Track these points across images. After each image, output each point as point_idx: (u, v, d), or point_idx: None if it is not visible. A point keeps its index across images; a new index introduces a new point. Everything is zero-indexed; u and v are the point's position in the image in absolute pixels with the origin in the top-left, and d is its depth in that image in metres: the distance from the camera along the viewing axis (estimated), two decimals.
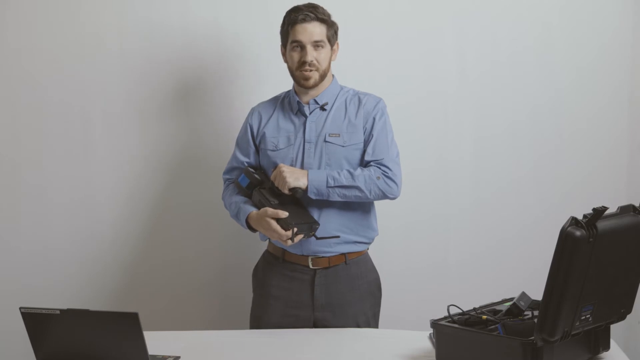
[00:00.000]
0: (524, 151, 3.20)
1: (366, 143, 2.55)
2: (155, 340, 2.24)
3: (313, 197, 2.46)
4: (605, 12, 3.16)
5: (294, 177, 2.45)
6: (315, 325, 2.55)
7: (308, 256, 2.53)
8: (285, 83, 2.69)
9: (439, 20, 3.14)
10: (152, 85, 3.11)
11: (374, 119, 2.56)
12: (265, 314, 2.57)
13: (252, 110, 2.68)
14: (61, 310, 2.01)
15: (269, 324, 2.51)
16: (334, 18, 2.57)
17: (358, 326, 2.54)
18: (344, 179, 2.46)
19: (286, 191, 2.45)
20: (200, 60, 3.10)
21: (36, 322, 2.04)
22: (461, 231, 3.20)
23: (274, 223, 2.41)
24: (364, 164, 2.55)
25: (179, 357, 2.18)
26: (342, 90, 2.64)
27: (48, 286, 3.13)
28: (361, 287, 2.58)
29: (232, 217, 2.61)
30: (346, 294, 2.55)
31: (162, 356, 2.17)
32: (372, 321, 2.61)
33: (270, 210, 2.43)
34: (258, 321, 2.57)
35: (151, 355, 2.04)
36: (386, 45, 3.12)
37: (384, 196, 2.51)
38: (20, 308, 2.05)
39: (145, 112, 3.13)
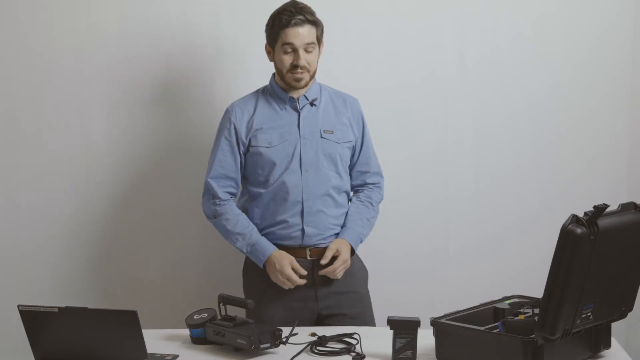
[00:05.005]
0: (523, 150, 3.19)
1: (359, 146, 2.68)
2: (154, 339, 2.25)
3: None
4: (606, 5, 3.16)
5: (346, 263, 2.56)
6: (320, 314, 2.58)
7: (306, 248, 2.56)
8: (265, 78, 2.68)
9: (439, 11, 3.13)
10: (150, 80, 3.10)
11: (363, 123, 2.70)
12: (269, 312, 2.56)
13: (232, 109, 2.63)
14: (59, 308, 2.01)
15: (275, 323, 2.49)
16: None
17: (360, 311, 2.59)
18: (367, 231, 2.67)
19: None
20: (194, 54, 3.09)
21: (34, 320, 2.03)
22: (460, 225, 3.20)
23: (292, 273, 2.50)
24: (357, 171, 2.70)
25: (177, 356, 2.17)
26: (322, 87, 2.68)
27: (46, 284, 3.12)
28: (357, 274, 2.64)
29: (236, 248, 2.62)
30: (346, 281, 2.59)
31: (161, 354, 2.16)
32: (368, 308, 2.67)
33: (295, 265, 2.52)
34: (263, 320, 2.52)
35: (150, 354, 2.04)
36: (385, 37, 3.11)
37: None
38: (18, 306, 2.04)
39: (146, 109, 3.11)
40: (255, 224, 2.60)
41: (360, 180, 2.71)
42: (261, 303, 2.56)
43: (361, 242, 2.64)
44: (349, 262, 2.56)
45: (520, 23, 3.15)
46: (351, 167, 2.70)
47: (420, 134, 3.14)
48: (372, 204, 2.68)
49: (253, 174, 2.61)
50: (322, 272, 2.54)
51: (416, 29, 3.13)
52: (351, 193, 2.73)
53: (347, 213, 2.66)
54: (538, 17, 3.15)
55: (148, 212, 3.15)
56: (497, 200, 3.20)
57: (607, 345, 2.09)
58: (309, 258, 2.57)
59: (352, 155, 2.68)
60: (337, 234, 2.61)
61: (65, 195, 3.12)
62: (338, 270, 2.53)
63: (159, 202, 3.15)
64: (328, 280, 2.58)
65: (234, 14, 3.06)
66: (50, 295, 3.05)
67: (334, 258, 2.54)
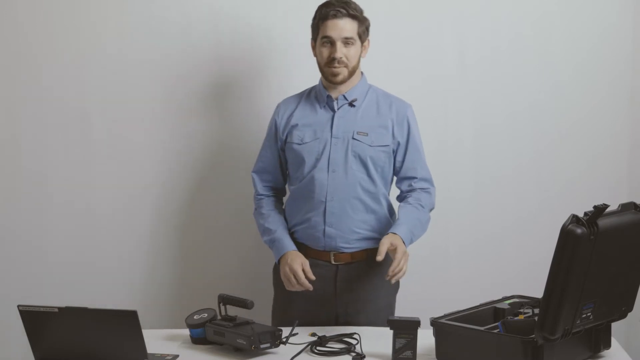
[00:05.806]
0: (523, 150, 3.19)
1: (402, 152, 2.58)
2: (154, 339, 2.24)
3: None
4: (606, 5, 3.15)
5: (406, 255, 2.40)
6: (337, 320, 2.55)
7: (330, 252, 2.52)
8: (313, 78, 2.66)
9: (439, 11, 3.13)
10: (159, 82, 3.10)
11: (409, 128, 2.59)
12: (290, 310, 2.55)
13: (278, 106, 2.68)
14: (59, 308, 2.01)
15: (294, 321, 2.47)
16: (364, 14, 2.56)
17: (373, 322, 2.51)
18: (418, 231, 2.53)
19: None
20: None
21: (34, 320, 2.03)
22: (460, 225, 3.20)
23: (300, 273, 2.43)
24: (403, 177, 2.60)
25: (177, 356, 2.17)
26: (370, 89, 2.63)
27: (46, 284, 3.12)
28: (382, 284, 2.55)
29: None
30: (368, 291, 2.55)
31: (161, 354, 2.16)
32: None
33: (306, 268, 2.44)
34: (283, 318, 2.54)
35: (150, 354, 2.04)
36: (385, 37, 3.10)
37: None
38: (18, 306, 2.05)
39: (147, 107, 3.11)
40: (287, 221, 2.60)
41: (408, 186, 2.60)
42: (285, 299, 2.57)
43: (412, 241, 2.47)
44: (407, 253, 2.39)
45: (520, 23, 3.14)
46: (397, 172, 2.62)
47: (421, 134, 3.13)
48: (422, 206, 2.55)
49: (291, 171, 2.63)
50: (391, 277, 2.34)
51: (416, 30, 3.13)
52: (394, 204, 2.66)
53: (395, 217, 2.59)
54: (538, 17, 3.15)
55: (150, 212, 3.15)
56: (497, 200, 3.20)
57: (607, 345, 2.09)
58: (333, 262, 2.53)
59: (395, 160, 2.60)
60: (365, 239, 2.54)
61: (66, 194, 3.12)
62: (401, 264, 2.35)
63: (160, 201, 3.15)
64: (349, 287, 2.53)
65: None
66: (50, 295, 3.05)
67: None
